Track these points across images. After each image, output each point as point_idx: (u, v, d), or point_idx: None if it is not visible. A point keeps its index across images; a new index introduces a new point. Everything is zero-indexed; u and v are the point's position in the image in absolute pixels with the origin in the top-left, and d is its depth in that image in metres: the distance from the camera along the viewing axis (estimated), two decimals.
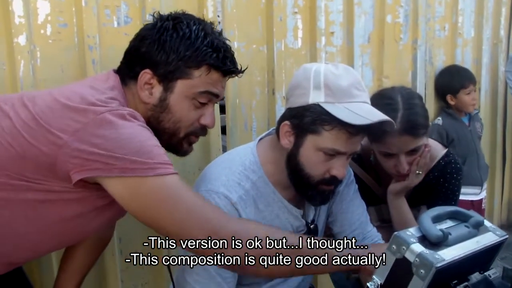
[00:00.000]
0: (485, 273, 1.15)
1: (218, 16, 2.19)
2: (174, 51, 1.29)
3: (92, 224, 1.32)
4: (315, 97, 1.34)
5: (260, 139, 1.56)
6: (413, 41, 3.01)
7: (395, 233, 1.02)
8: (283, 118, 1.44)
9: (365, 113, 1.31)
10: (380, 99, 1.64)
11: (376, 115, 1.32)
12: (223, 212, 1.24)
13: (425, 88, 3.18)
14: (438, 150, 1.86)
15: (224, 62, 1.33)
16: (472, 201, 3.11)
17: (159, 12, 1.39)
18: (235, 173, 1.44)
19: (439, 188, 1.83)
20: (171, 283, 1.45)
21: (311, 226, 1.57)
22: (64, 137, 1.12)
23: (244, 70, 1.41)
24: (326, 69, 1.37)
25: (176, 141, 1.37)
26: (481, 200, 3.22)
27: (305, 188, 1.43)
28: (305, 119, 1.36)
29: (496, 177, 3.84)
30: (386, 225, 1.88)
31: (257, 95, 2.33)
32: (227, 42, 1.38)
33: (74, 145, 1.12)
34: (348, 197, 1.65)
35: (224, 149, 2.21)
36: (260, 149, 1.51)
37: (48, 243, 1.33)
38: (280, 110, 2.34)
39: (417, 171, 1.72)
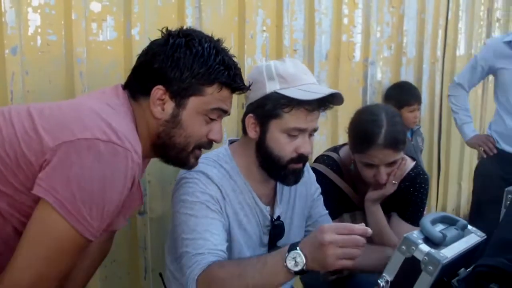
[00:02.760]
0: (468, 269, 1.31)
1: None
2: (188, 68, 1.32)
3: None
4: (271, 87, 1.53)
5: (231, 141, 1.72)
6: (364, 60, 3.22)
7: (405, 235, 1.16)
8: (246, 113, 1.60)
9: (316, 90, 1.52)
10: (366, 115, 1.81)
11: (326, 90, 1.53)
12: None
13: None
14: (407, 162, 2.04)
15: (234, 80, 1.38)
16: None
17: (167, 28, 1.41)
18: (210, 161, 1.59)
19: (409, 196, 2.02)
20: None
21: (275, 223, 1.69)
22: (50, 142, 1.14)
23: (250, 86, 1.51)
24: (275, 62, 1.59)
25: (185, 155, 1.40)
26: None
27: (278, 170, 1.59)
28: (266, 107, 1.54)
29: (433, 186, 4.11)
30: None
31: None
32: (234, 59, 1.44)
33: (54, 154, 1.13)
34: (321, 203, 1.84)
35: None
36: (231, 147, 1.67)
37: None
38: None
39: (393, 181, 1.89)
